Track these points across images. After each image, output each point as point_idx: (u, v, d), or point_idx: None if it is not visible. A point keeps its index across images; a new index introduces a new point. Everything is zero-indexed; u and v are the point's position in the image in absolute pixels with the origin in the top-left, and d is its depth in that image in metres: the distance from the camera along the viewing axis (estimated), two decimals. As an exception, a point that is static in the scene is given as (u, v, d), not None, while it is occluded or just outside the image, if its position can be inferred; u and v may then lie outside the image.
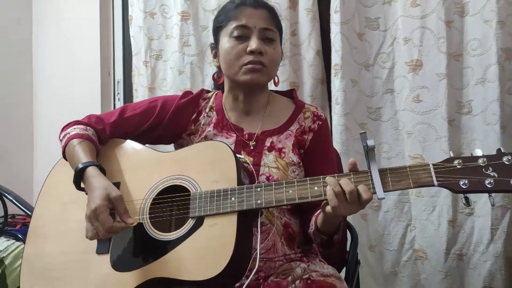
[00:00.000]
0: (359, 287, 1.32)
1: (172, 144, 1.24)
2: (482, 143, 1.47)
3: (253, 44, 1.06)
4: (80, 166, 0.99)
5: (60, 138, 1.12)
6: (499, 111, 1.42)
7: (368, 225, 1.63)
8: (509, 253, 1.44)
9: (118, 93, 2.19)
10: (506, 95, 1.44)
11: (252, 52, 1.06)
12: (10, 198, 1.46)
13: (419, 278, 1.56)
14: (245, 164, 1.03)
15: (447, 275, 1.52)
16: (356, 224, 1.42)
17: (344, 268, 1.24)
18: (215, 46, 1.16)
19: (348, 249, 1.26)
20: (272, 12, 1.13)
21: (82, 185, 1.01)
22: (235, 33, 1.08)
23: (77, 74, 2.21)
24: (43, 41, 2.32)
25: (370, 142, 0.85)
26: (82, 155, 1.02)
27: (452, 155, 0.85)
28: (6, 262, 1.46)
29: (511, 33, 1.43)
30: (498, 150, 0.83)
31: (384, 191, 0.84)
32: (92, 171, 0.99)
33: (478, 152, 0.84)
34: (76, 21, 2.23)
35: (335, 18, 1.60)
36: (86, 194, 0.99)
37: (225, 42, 1.10)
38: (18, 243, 1.52)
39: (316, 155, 1.13)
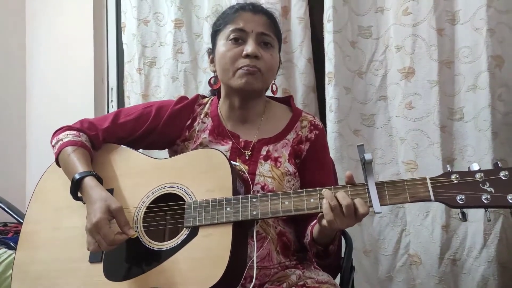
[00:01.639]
0: (354, 293, 1.32)
1: (167, 150, 1.22)
2: (474, 149, 1.48)
3: (249, 47, 1.04)
4: (77, 176, 0.98)
5: (52, 143, 1.10)
6: (490, 118, 1.43)
7: (363, 231, 1.64)
8: (501, 258, 1.44)
9: (112, 100, 2.19)
10: (497, 101, 1.45)
11: (247, 56, 1.04)
12: (2, 206, 1.45)
13: (414, 283, 1.57)
14: (240, 173, 1.03)
15: (441, 280, 1.52)
16: (350, 230, 1.40)
17: (339, 275, 1.24)
18: (212, 51, 1.15)
19: (342, 255, 1.26)
20: (271, 19, 1.11)
21: (79, 194, 1.00)
22: (232, 36, 1.07)
23: (71, 81, 2.20)
24: (37, 48, 2.31)
25: (367, 156, 0.85)
26: (78, 164, 1.01)
27: (449, 168, 0.85)
28: (-2, 270, 1.44)
29: (501, 40, 1.45)
30: (495, 164, 0.83)
31: (381, 205, 0.84)
32: (89, 182, 0.98)
33: (475, 166, 0.84)
34: (69, 28, 2.23)
35: (328, 27, 1.61)
36: (84, 203, 0.98)
37: (221, 45, 1.09)
38: (10, 252, 1.49)
39: (313, 165, 1.12)
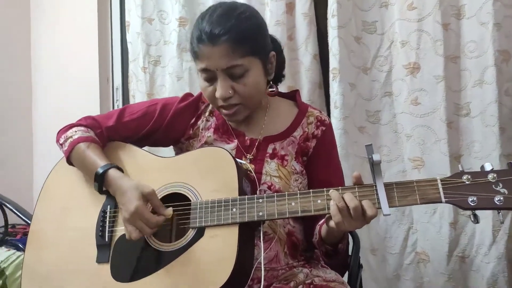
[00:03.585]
0: (362, 292, 1.32)
1: (172, 147, 1.21)
2: (481, 145, 1.47)
3: (218, 91, 0.99)
4: (101, 171, 0.99)
5: (60, 142, 1.09)
6: (497, 113, 1.42)
7: (370, 229, 1.63)
8: (511, 254, 1.43)
9: (117, 100, 2.19)
10: (504, 96, 1.44)
11: (220, 98, 1.00)
12: (10, 207, 1.45)
13: (422, 281, 1.56)
14: (247, 171, 1.03)
15: (450, 277, 1.52)
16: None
17: (347, 273, 1.24)
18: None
19: (350, 253, 1.26)
20: (236, 42, 0.96)
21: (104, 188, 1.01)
22: (202, 76, 1.02)
23: (76, 81, 2.21)
24: (41, 48, 2.32)
25: (376, 157, 0.83)
26: (97, 159, 1.02)
27: (460, 168, 0.83)
28: (7, 272, 1.45)
29: (508, 35, 1.43)
30: (509, 164, 0.81)
31: (390, 207, 0.83)
32: (114, 173, 0.99)
33: (488, 167, 0.81)
34: (74, 27, 2.23)
35: (332, 22, 1.60)
36: (109, 195, 1.00)
37: (199, 77, 1.05)
38: (19, 253, 1.51)
39: (320, 163, 1.10)
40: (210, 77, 1.01)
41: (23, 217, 1.39)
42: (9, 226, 1.52)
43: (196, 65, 1.04)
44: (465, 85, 1.51)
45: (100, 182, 1.00)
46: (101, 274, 0.97)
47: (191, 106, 1.16)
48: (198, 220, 0.93)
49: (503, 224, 1.43)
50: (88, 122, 1.11)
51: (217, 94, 0.99)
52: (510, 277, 1.43)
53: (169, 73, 1.92)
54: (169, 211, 0.95)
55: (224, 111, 1.04)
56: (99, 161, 1.01)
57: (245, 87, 1.00)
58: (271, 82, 1.11)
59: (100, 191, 1.01)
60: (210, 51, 0.97)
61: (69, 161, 1.07)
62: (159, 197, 0.99)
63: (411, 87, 1.55)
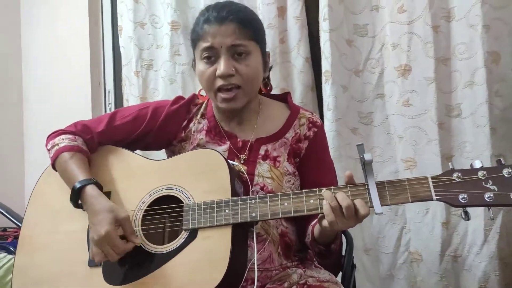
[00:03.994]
0: (356, 291, 1.32)
1: (164, 150, 1.21)
2: (473, 145, 1.48)
3: (220, 67, 1.00)
4: (78, 185, 0.97)
5: (48, 148, 1.08)
6: (488, 113, 1.43)
7: (363, 229, 1.64)
8: (502, 253, 1.45)
9: (109, 103, 2.19)
10: (494, 97, 1.45)
11: (221, 76, 1.01)
12: (1, 211, 1.45)
13: (415, 280, 1.57)
14: (239, 173, 1.03)
15: (442, 277, 1.52)
16: (351, 228, 1.41)
17: (340, 273, 1.24)
18: (194, 63, 1.12)
19: (343, 254, 1.26)
20: (242, 23, 1.02)
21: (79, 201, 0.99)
22: (204, 56, 1.03)
23: (68, 85, 2.20)
24: (32, 52, 2.31)
25: (367, 156, 0.84)
26: (77, 172, 1.00)
27: (451, 166, 0.84)
28: (-2, 275, 1.44)
29: (496, 36, 1.45)
30: (498, 161, 0.82)
31: (382, 206, 0.83)
32: (91, 191, 0.97)
33: (477, 164, 0.82)
34: (65, 31, 2.22)
35: (324, 26, 1.61)
36: (83, 210, 0.98)
37: (198, 63, 1.06)
38: (10, 256, 1.49)
39: (312, 164, 1.11)
40: (212, 56, 1.02)
41: (14, 220, 1.38)
42: (0, 230, 1.50)
43: (197, 48, 1.05)
44: (455, 87, 1.52)
45: (76, 196, 0.98)
46: (93, 278, 0.97)
47: (183, 108, 1.16)
48: (191, 222, 0.93)
49: (495, 224, 1.45)
50: (78, 129, 1.10)
51: (219, 71, 1.00)
52: (501, 276, 1.44)
53: (162, 77, 1.92)
54: (139, 240, 0.94)
55: (222, 95, 1.03)
56: (78, 175, 0.99)
57: (247, 68, 1.02)
58: (266, 80, 1.13)
59: (75, 205, 0.99)
60: (217, 29, 1.01)
61: (54, 169, 1.07)
62: (151, 200, 0.99)
63: (402, 89, 1.56)
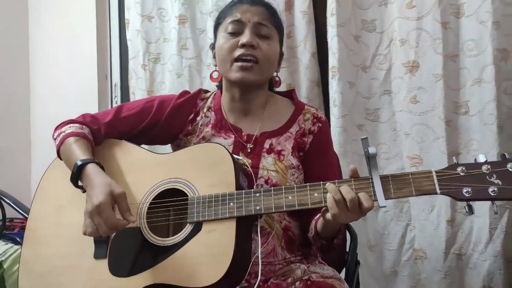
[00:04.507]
0: (359, 288, 1.32)
1: (170, 145, 1.22)
2: (480, 143, 1.47)
3: (245, 37, 1.05)
4: (79, 163, 0.97)
5: (54, 137, 1.09)
6: (495, 111, 1.42)
7: (368, 225, 1.64)
8: (507, 252, 1.44)
9: (115, 96, 2.20)
10: (502, 95, 1.44)
11: (243, 46, 1.05)
12: (8, 201, 1.45)
13: (419, 277, 1.57)
14: (244, 166, 1.03)
15: (446, 274, 1.52)
16: (355, 224, 1.41)
17: (344, 269, 1.24)
18: (213, 45, 1.15)
19: (347, 250, 1.26)
20: (270, 10, 1.11)
21: (80, 183, 0.98)
22: (229, 28, 1.08)
23: (75, 78, 2.21)
24: (40, 45, 2.32)
25: (371, 150, 0.84)
26: (80, 153, 1.00)
27: (455, 161, 0.84)
28: (5, 265, 1.46)
29: (506, 33, 1.43)
30: (502, 156, 0.82)
31: (386, 199, 0.83)
32: (92, 168, 0.97)
33: (482, 158, 0.82)
34: (72, 24, 2.23)
35: (331, 21, 1.60)
36: (83, 192, 0.97)
37: (221, 37, 1.10)
38: (16, 247, 1.51)
39: (316, 158, 1.12)
40: (238, 29, 1.07)
41: (21, 211, 1.39)
42: (7, 220, 1.52)
43: (223, 24, 1.10)
44: (464, 84, 1.51)
45: (77, 175, 0.97)
46: (99, 269, 0.97)
47: (189, 102, 1.17)
48: (195, 215, 0.94)
49: (500, 223, 1.44)
50: (86, 120, 1.11)
51: (243, 40, 1.05)
52: (506, 275, 1.44)
53: (169, 71, 1.93)
54: (134, 218, 0.92)
55: (239, 63, 1.06)
56: (80, 155, 0.99)
57: (268, 47, 1.08)
58: (276, 74, 1.17)
59: (75, 184, 0.98)
60: (248, 8, 1.09)
61: (59, 155, 1.07)
62: (156, 193, 1.00)
63: (410, 86, 1.55)
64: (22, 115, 2.31)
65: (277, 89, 1.23)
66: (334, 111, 1.61)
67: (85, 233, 0.91)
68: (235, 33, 1.07)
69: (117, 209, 0.91)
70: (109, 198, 0.90)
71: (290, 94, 1.20)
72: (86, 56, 2.17)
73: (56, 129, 1.11)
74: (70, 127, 1.08)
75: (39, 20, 2.32)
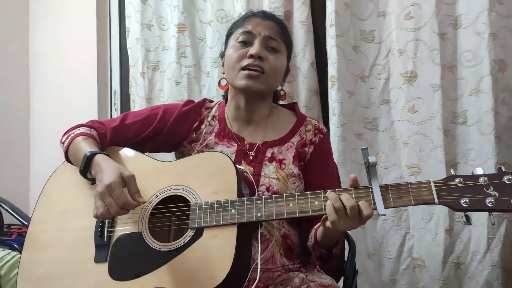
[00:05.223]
0: (357, 297, 1.32)
1: (173, 153, 1.24)
2: (477, 153, 1.48)
3: (254, 48, 1.09)
4: (88, 153, 1.00)
5: (62, 140, 1.12)
6: (493, 121, 1.43)
7: (366, 234, 1.64)
8: (505, 262, 1.44)
9: (115, 104, 2.20)
10: (500, 105, 1.45)
11: (252, 56, 1.08)
12: (6, 207, 1.45)
13: (418, 286, 1.56)
14: (245, 174, 1.04)
15: (445, 283, 1.52)
16: (354, 233, 1.42)
17: (342, 278, 1.24)
18: (223, 54, 1.19)
19: (346, 259, 1.26)
20: (280, 25, 1.16)
21: (89, 176, 1.01)
22: (240, 39, 1.12)
23: (75, 85, 2.22)
24: (40, 53, 2.33)
25: (371, 159, 0.86)
26: (88, 148, 1.03)
27: (453, 172, 0.86)
28: (2, 272, 1.44)
29: (503, 44, 1.45)
30: (499, 169, 0.84)
31: (385, 208, 0.85)
32: (101, 157, 1.00)
33: (479, 171, 0.84)
34: (73, 32, 2.25)
35: (330, 31, 1.62)
36: (92, 184, 0.99)
37: (230, 47, 1.14)
38: (14, 253, 1.50)
39: (316, 168, 1.13)
40: (248, 40, 1.12)
41: (19, 218, 1.39)
42: (4, 226, 1.51)
43: (234, 34, 1.14)
44: (461, 94, 1.53)
45: (87, 165, 0.99)
46: (99, 273, 0.97)
47: (195, 110, 1.20)
48: (197, 220, 0.94)
49: (498, 233, 1.44)
50: (94, 124, 1.14)
51: (252, 51, 1.08)
52: (504, 284, 1.44)
53: (168, 78, 1.94)
54: (144, 199, 0.94)
55: (246, 72, 1.08)
56: (89, 149, 1.02)
57: (275, 60, 1.12)
58: (281, 88, 1.20)
59: (84, 175, 1.01)
60: (260, 21, 1.13)
61: (67, 157, 1.09)
62: (159, 200, 1.00)
63: (408, 95, 1.57)
64: (22, 122, 2.31)
65: (281, 101, 1.26)
66: (334, 120, 1.62)
67: (96, 216, 0.93)
68: (245, 44, 1.11)
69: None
70: (120, 179, 0.92)
71: (292, 107, 1.24)
72: (86, 63, 2.19)
73: (65, 133, 1.13)
74: (79, 129, 1.11)
75: (39, 28, 2.33)
